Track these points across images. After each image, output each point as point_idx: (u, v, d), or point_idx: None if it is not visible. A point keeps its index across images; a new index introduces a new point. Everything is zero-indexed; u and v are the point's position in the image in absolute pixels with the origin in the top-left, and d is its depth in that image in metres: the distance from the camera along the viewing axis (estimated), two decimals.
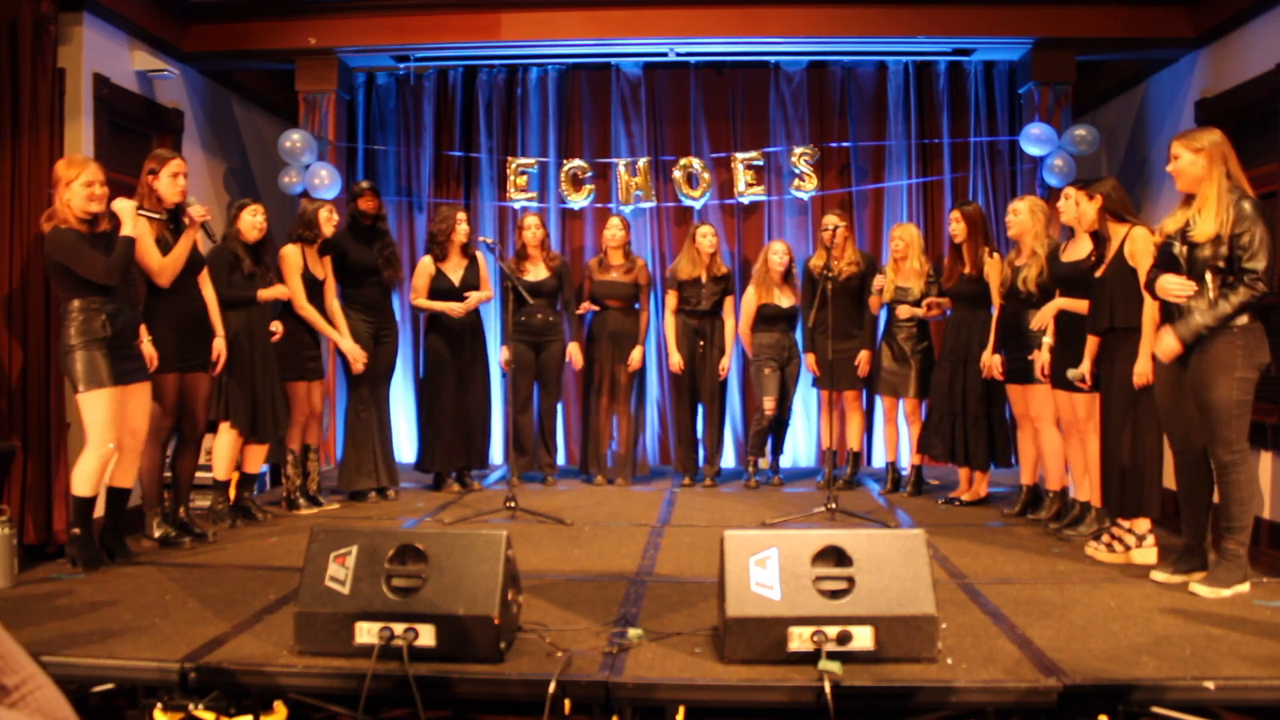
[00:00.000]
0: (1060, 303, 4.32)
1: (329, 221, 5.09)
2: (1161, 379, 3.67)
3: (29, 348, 4.21)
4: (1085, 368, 4.11)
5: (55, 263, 3.78)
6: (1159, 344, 3.59)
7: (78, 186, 3.75)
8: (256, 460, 4.89)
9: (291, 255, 4.98)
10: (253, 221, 4.73)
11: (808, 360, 5.70)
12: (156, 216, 4.14)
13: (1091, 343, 4.09)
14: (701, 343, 5.80)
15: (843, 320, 5.48)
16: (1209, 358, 3.45)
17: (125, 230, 3.85)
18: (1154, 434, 3.83)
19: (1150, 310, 3.75)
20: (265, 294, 4.73)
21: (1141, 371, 3.79)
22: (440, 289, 5.50)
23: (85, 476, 3.81)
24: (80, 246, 3.74)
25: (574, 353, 5.84)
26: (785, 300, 5.74)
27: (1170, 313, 3.55)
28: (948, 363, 5.13)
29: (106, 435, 3.79)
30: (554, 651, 2.86)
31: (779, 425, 5.86)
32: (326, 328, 5.11)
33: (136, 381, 3.95)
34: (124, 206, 3.89)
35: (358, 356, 5.14)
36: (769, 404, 5.67)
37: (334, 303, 5.20)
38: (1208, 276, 3.45)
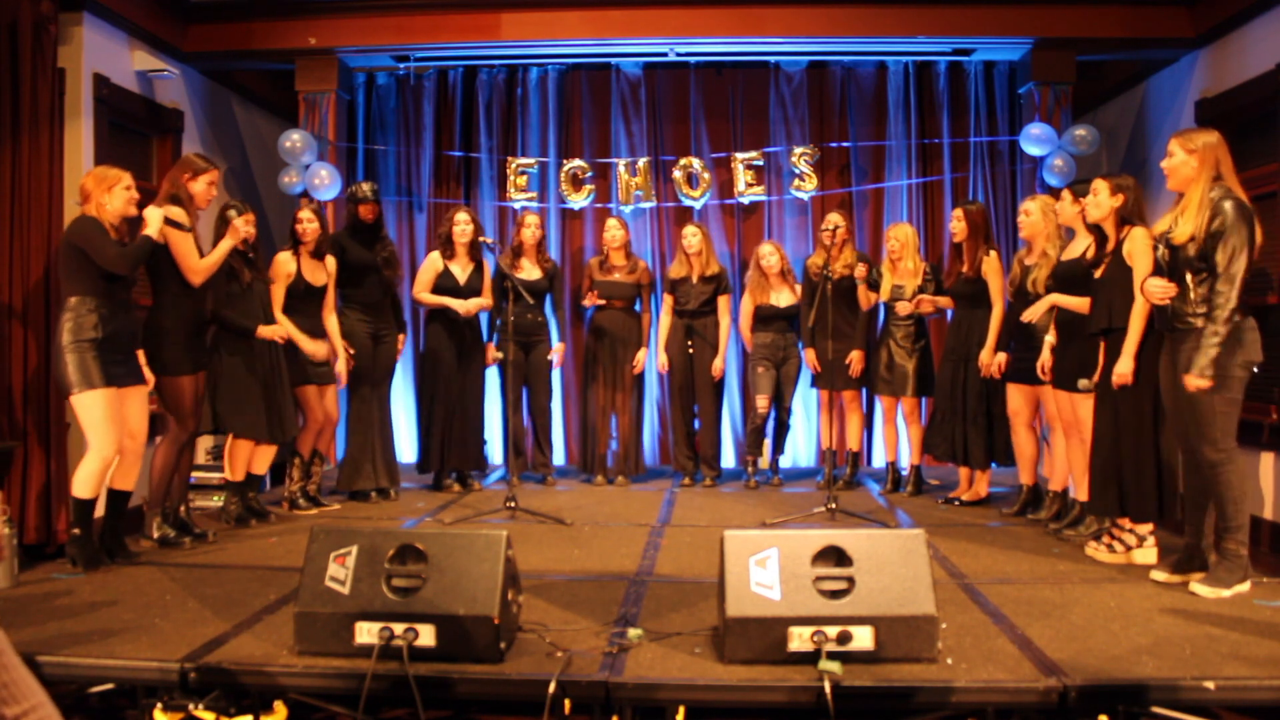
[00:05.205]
0: (1054, 298, 4.31)
1: (310, 223, 4.99)
2: (1166, 380, 3.64)
3: (29, 347, 4.20)
4: (1099, 377, 4.04)
5: (70, 248, 3.81)
6: (1119, 365, 3.77)
7: (119, 190, 3.89)
8: (266, 462, 4.86)
9: (283, 262, 4.92)
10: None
11: (808, 356, 5.70)
12: (185, 227, 4.15)
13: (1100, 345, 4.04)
14: (691, 342, 5.80)
15: (840, 320, 5.48)
16: (1191, 354, 3.44)
17: (149, 233, 3.90)
18: (1166, 435, 3.79)
19: (1139, 309, 3.74)
20: (265, 332, 4.56)
21: (1121, 372, 3.78)
22: (445, 286, 5.49)
23: (86, 479, 3.81)
24: (101, 234, 3.81)
25: (558, 350, 5.83)
26: (782, 300, 5.73)
27: (1164, 315, 3.55)
28: (950, 362, 5.12)
29: (106, 437, 3.77)
30: (554, 651, 2.86)
31: (779, 426, 5.86)
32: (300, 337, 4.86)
33: (131, 385, 3.94)
34: (154, 213, 3.97)
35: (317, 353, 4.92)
36: (762, 402, 5.69)
37: (331, 318, 5.12)
38: (1188, 278, 3.45)
